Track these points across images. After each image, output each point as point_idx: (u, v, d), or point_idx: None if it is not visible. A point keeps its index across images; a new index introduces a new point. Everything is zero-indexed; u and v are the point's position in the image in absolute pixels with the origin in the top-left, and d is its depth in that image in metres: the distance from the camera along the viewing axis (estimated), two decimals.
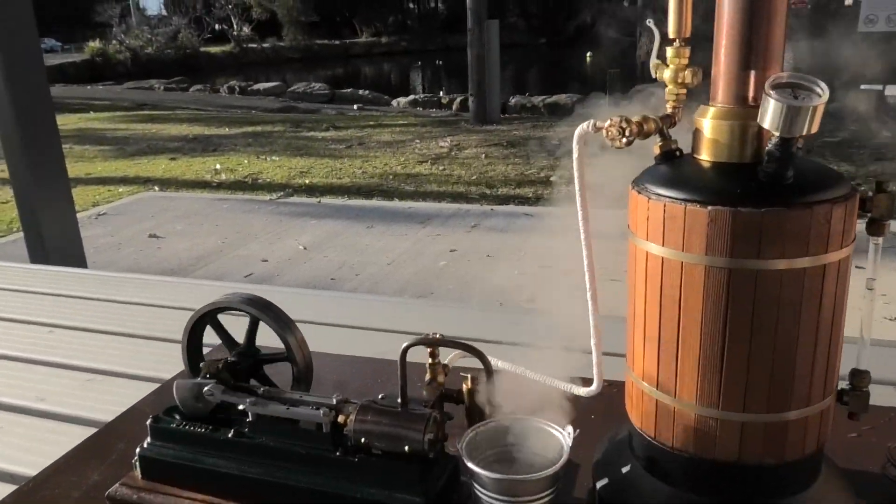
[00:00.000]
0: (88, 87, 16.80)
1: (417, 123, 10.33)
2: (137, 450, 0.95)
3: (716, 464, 0.75)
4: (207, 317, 1.03)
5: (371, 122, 10.47)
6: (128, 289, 1.86)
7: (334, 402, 0.88)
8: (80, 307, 1.76)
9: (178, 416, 0.96)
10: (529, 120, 10.21)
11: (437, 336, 0.88)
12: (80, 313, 1.71)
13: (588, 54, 18.84)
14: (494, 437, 0.87)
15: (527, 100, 11.26)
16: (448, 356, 0.99)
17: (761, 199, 0.68)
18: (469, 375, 0.88)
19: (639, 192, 0.75)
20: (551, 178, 6.27)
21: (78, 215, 5.21)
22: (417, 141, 8.71)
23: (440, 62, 22.57)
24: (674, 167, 0.76)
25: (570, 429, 0.82)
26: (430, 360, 0.93)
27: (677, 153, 0.77)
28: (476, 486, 0.81)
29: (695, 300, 0.71)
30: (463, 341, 0.85)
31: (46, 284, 1.92)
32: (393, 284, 4.08)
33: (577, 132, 0.77)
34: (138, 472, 0.96)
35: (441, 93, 12.46)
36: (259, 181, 6.91)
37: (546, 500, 0.80)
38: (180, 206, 6.07)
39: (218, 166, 7.55)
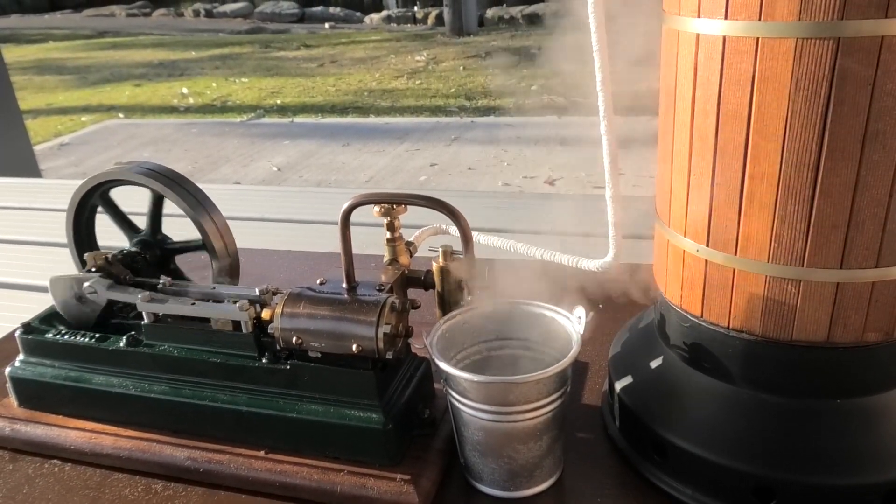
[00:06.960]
0: (46, 17, 16.02)
1: (392, 39, 9.93)
2: (7, 370, 0.72)
3: (793, 347, 0.52)
4: (95, 195, 0.78)
5: (343, 40, 10.06)
6: (48, 195, 1.60)
7: (257, 293, 0.65)
8: None
9: (57, 325, 0.73)
10: (508, 31, 9.83)
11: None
12: None
13: None
14: (476, 327, 0.64)
15: (504, 10, 10.82)
16: (414, 234, 0.75)
17: None
18: (441, 249, 0.64)
19: None
20: (532, 88, 6.02)
21: (39, 147, 4.91)
22: (392, 56, 8.36)
23: None
24: None
25: (580, 311, 0.59)
26: (388, 235, 0.69)
27: None
28: (453, 394, 0.58)
29: (775, 98, 0.47)
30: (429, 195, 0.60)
31: None
32: None
33: None
34: (13, 399, 0.73)
35: (416, 7, 11.93)
36: (228, 104, 6.61)
37: (551, 408, 0.58)
38: (147, 132, 5.77)
39: (185, 90, 7.23)
